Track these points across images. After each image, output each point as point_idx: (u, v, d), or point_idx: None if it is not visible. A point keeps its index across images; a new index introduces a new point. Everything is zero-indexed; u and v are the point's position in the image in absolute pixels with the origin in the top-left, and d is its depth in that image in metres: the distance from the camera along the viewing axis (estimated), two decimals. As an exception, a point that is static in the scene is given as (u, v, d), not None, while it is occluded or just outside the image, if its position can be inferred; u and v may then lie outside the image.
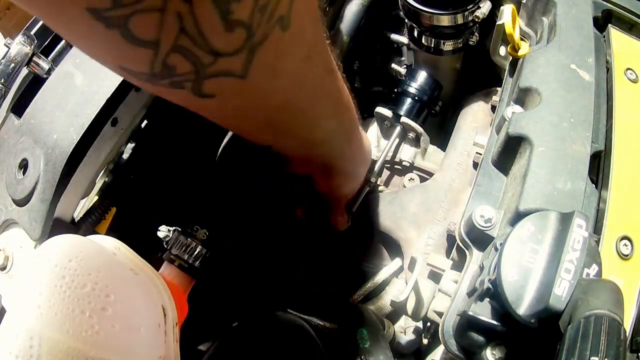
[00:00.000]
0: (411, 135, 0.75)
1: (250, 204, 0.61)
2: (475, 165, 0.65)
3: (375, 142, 0.78)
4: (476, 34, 0.73)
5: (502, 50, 0.65)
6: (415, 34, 0.76)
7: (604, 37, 0.63)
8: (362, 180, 0.63)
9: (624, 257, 0.46)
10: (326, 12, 0.73)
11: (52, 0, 0.26)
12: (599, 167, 0.52)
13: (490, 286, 0.40)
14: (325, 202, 0.63)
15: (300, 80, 0.39)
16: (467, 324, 0.42)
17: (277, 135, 0.45)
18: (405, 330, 0.62)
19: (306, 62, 0.38)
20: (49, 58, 0.60)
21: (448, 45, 0.74)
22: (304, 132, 0.46)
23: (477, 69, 0.80)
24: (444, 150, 0.74)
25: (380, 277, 0.66)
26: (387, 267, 0.67)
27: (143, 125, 0.61)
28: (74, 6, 0.25)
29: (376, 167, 0.71)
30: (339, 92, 0.46)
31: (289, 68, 0.36)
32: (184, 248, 0.49)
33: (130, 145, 0.63)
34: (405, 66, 0.81)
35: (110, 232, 0.60)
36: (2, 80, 0.57)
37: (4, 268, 0.52)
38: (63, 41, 0.64)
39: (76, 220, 0.57)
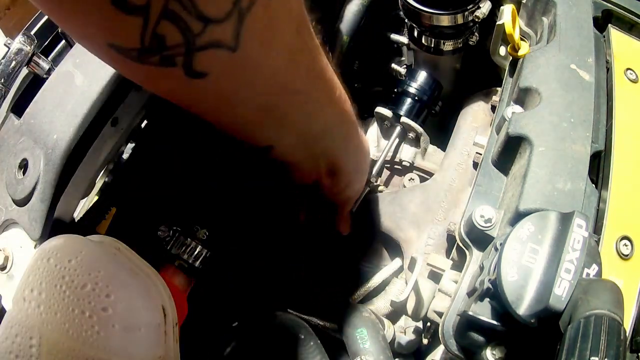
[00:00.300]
0: (411, 135, 0.75)
1: (250, 206, 0.61)
2: (475, 165, 0.65)
3: (375, 142, 0.78)
4: (476, 34, 0.73)
5: (502, 50, 0.65)
6: (415, 34, 0.76)
7: (604, 37, 0.63)
8: (365, 180, 0.63)
9: (624, 257, 0.46)
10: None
11: None
12: (599, 167, 0.52)
13: (490, 286, 0.40)
14: (330, 206, 0.63)
15: (293, 58, 0.38)
16: (467, 324, 0.42)
17: (275, 130, 0.45)
18: (405, 330, 0.62)
19: (296, 36, 0.37)
20: (49, 58, 0.60)
21: (448, 45, 0.74)
22: (302, 123, 0.45)
23: (477, 69, 0.80)
24: (444, 150, 0.74)
25: (380, 277, 0.66)
26: (387, 267, 0.67)
27: (143, 125, 0.61)
28: None
29: (376, 167, 0.71)
30: (331, 78, 0.45)
31: (280, 42, 0.36)
32: (184, 248, 0.49)
33: (130, 145, 0.63)
34: (405, 66, 0.81)
35: (110, 232, 0.60)
36: (2, 80, 0.57)
37: (4, 268, 0.52)
38: (63, 41, 0.64)
39: (76, 220, 0.57)
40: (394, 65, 0.81)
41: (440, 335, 0.44)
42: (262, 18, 0.33)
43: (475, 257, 0.47)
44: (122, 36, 0.30)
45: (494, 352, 0.40)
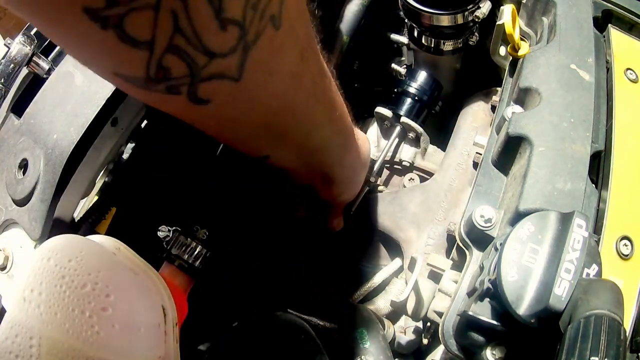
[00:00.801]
0: (411, 135, 0.75)
1: (249, 207, 0.61)
2: (475, 165, 0.65)
3: (375, 142, 0.78)
4: (476, 34, 0.73)
5: (502, 50, 0.65)
6: (415, 34, 0.76)
7: (604, 37, 0.62)
8: (361, 185, 0.63)
9: (624, 257, 0.46)
10: (316, 16, 0.73)
11: (49, 4, 0.26)
12: (599, 167, 0.52)
13: (490, 286, 0.40)
14: (325, 204, 0.63)
15: (295, 82, 0.39)
16: (467, 324, 0.42)
17: (273, 144, 0.45)
18: (405, 330, 0.62)
19: (300, 63, 0.38)
20: (49, 58, 0.60)
21: (448, 45, 0.74)
22: (300, 139, 0.46)
23: (477, 69, 0.80)
24: (444, 150, 0.74)
25: (380, 277, 0.66)
26: (387, 267, 0.67)
27: (143, 125, 0.61)
28: (71, 7, 0.26)
29: (376, 167, 0.71)
30: (333, 98, 0.45)
31: (283, 69, 0.36)
32: (184, 248, 0.49)
33: (130, 145, 0.63)
34: (405, 66, 0.81)
35: (110, 232, 0.60)
36: (2, 80, 0.57)
37: (4, 268, 0.52)
38: (63, 41, 0.64)
39: (76, 220, 0.57)
40: (394, 65, 0.81)
41: (440, 335, 0.44)
42: (267, 49, 0.33)
43: (475, 257, 0.47)
44: (128, 67, 0.30)
45: (494, 352, 0.40)
